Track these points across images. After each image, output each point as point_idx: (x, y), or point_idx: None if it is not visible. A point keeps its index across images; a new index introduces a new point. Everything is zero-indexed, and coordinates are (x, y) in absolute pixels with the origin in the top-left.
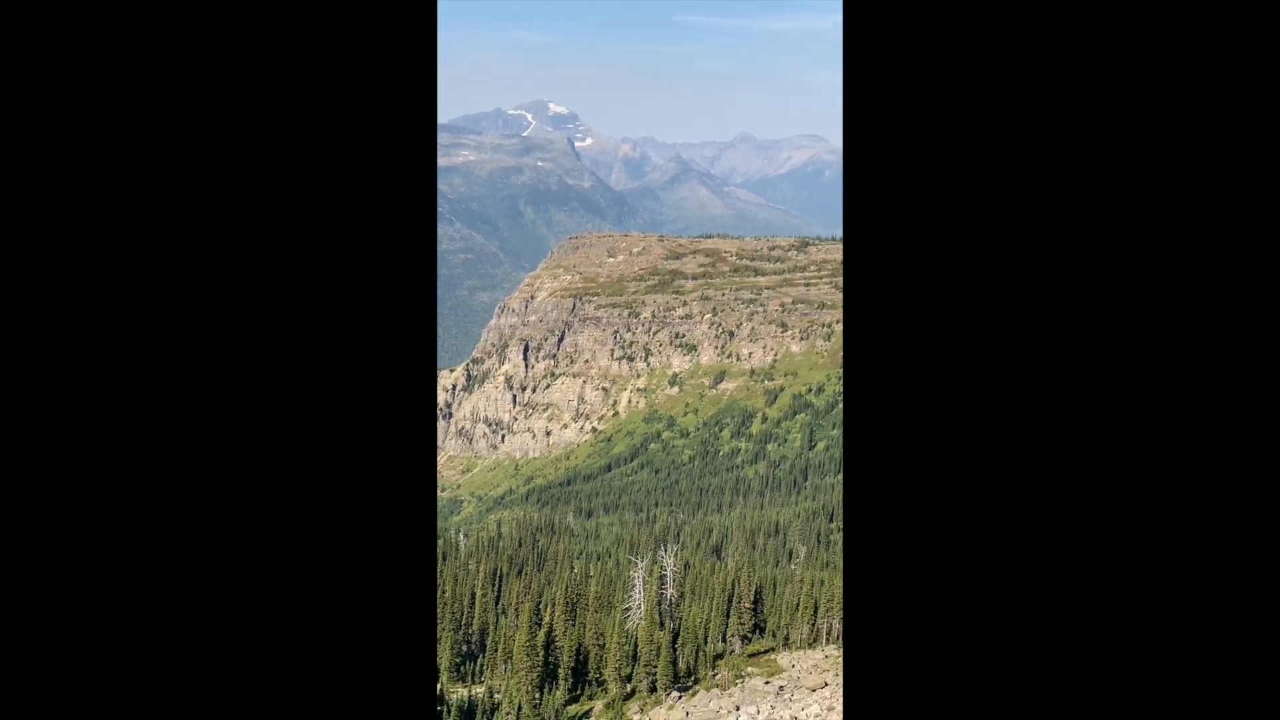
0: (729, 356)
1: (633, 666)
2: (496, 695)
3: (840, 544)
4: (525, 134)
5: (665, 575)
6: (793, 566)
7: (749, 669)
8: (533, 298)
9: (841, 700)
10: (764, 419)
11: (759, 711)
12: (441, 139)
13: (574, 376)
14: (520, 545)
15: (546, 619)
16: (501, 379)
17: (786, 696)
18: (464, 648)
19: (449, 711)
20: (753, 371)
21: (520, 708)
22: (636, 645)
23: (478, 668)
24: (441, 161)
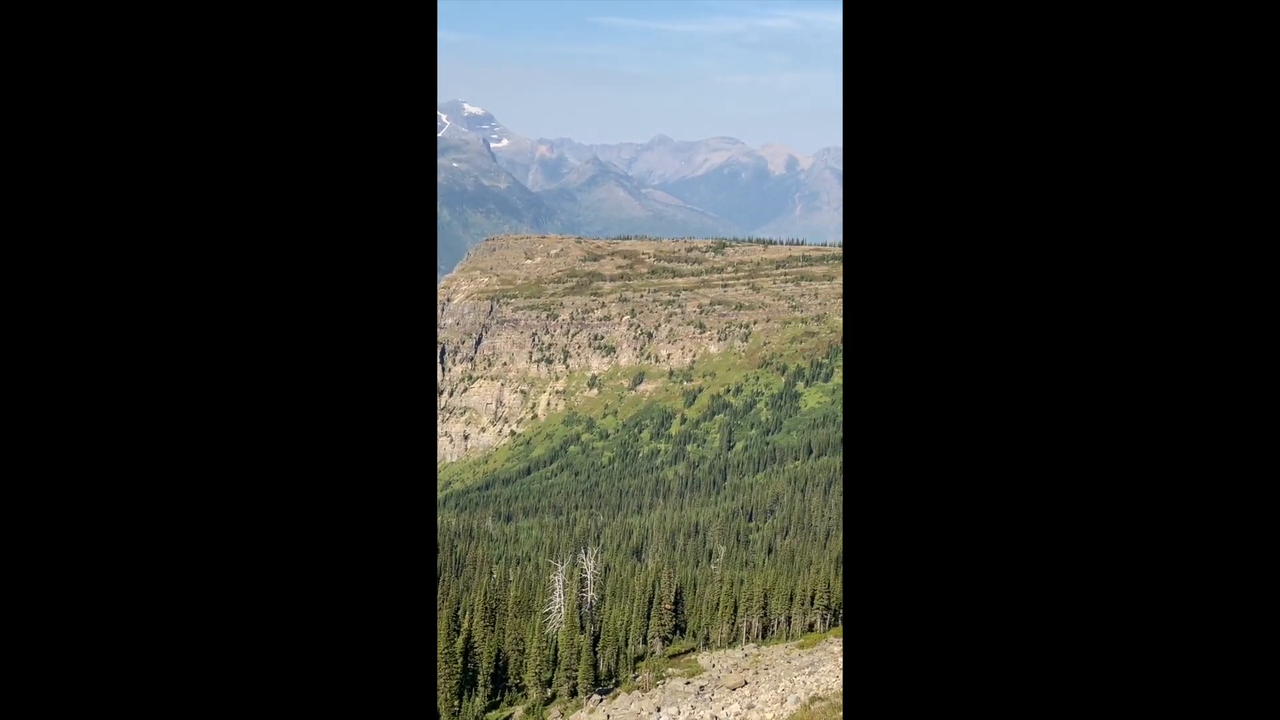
0: (647, 358)
1: (553, 671)
2: None
3: (758, 544)
4: (441, 134)
5: (585, 578)
6: (712, 566)
7: (670, 670)
8: (449, 300)
9: (759, 698)
10: (683, 420)
11: (680, 712)
12: None
13: (492, 379)
14: (438, 551)
15: (465, 625)
16: None
17: (707, 696)
18: None
19: None
20: (671, 372)
21: (439, 716)
22: (557, 649)
23: None
24: None
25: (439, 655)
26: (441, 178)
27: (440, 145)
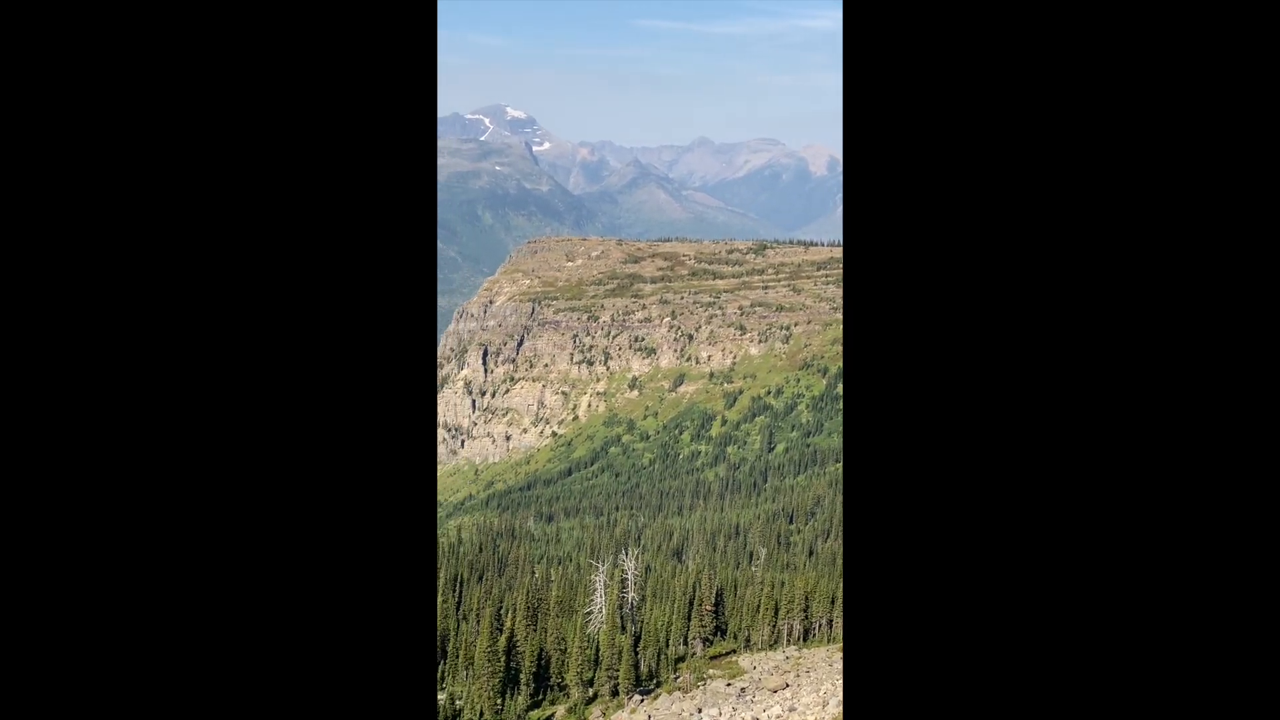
0: (688, 359)
1: (594, 670)
2: (458, 701)
3: (799, 546)
4: (483, 138)
5: (626, 579)
6: (753, 568)
7: (711, 671)
8: (491, 302)
9: (800, 701)
10: (723, 421)
11: (721, 713)
12: None
13: (533, 381)
14: (481, 550)
15: (508, 624)
16: (461, 384)
17: (748, 698)
18: None
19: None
20: (712, 374)
21: (482, 714)
22: (598, 649)
23: (439, 674)
24: None
25: (481, 654)
26: (484, 181)
27: (483, 149)
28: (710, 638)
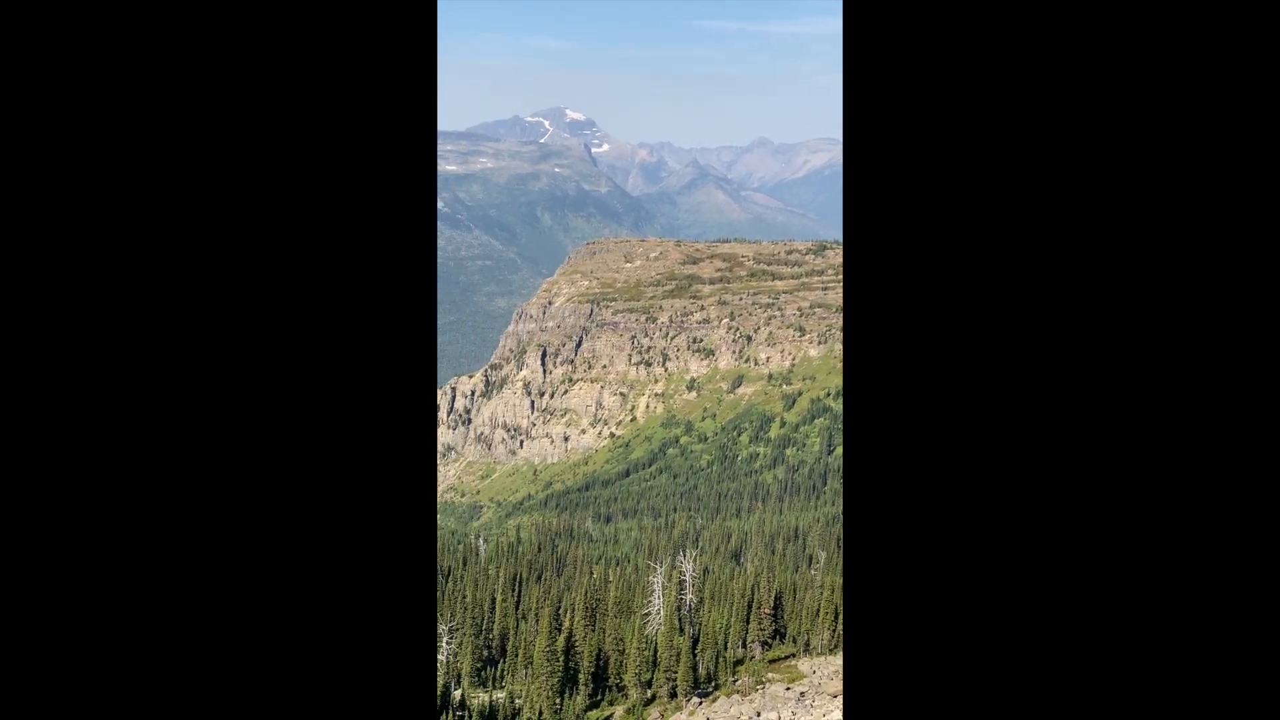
0: (747, 361)
1: (653, 672)
2: (518, 700)
3: None
4: (543, 140)
5: (684, 580)
6: (813, 572)
7: (770, 675)
8: (550, 303)
9: None
10: (782, 423)
11: (780, 718)
12: (460, 146)
13: (592, 382)
14: (539, 550)
15: (566, 624)
16: (520, 385)
17: (808, 702)
18: (485, 652)
19: (470, 716)
20: (770, 376)
21: (541, 713)
22: (656, 650)
23: (499, 672)
24: (460, 169)
25: (540, 653)
26: (543, 183)
27: (542, 151)
28: (769, 641)
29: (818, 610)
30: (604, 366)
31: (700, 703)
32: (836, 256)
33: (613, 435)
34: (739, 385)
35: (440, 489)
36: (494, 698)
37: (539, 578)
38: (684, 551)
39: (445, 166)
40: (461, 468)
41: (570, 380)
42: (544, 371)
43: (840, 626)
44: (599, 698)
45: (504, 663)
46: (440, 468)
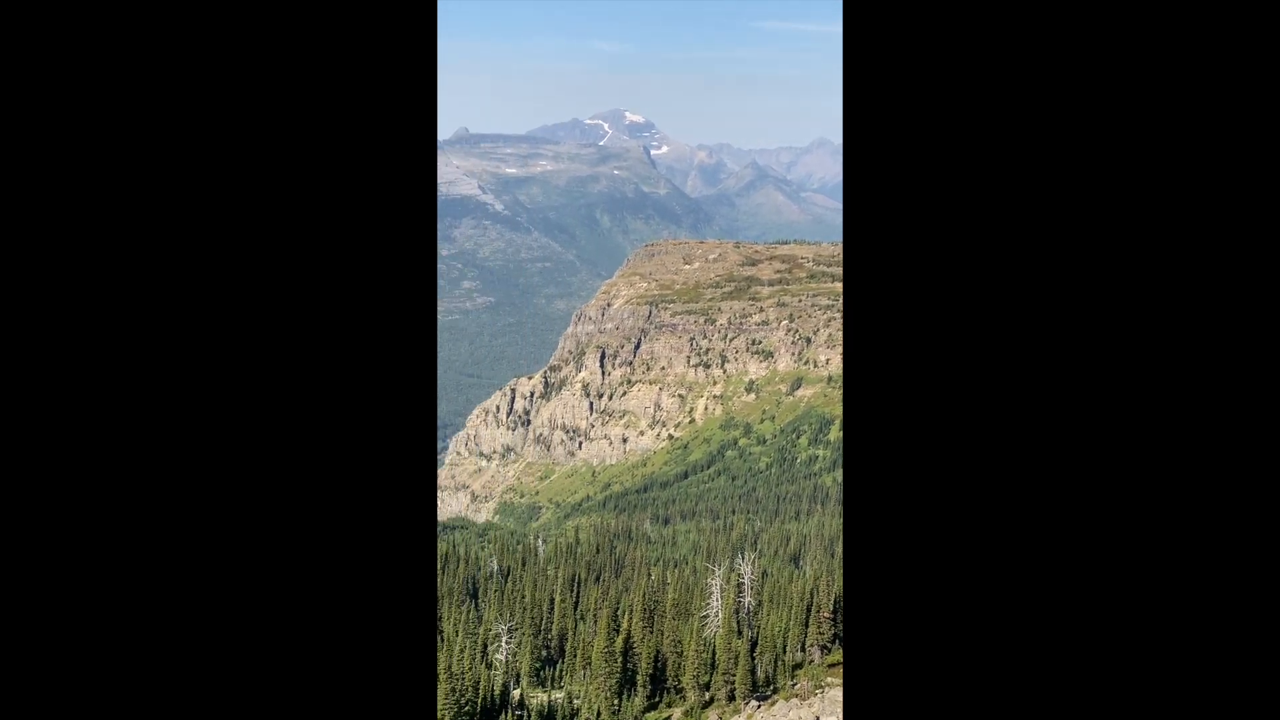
0: (806, 363)
1: (711, 674)
2: (576, 701)
3: None
4: (602, 143)
5: (743, 583)
6: None
7: (829, 679)
8: (609, 305)
9: None
10: (842, 426)
11: None
12: (520, 149)
13: (650, 383)
14: (598, 551)
15: (624, 625)
16: (579, 386)
17: None
18: (543, 652)
19: (529, 716)
20: (830, 378)
21: (599, 713)
22: (714, 653)
23: (557, 673)
24: (520, 172)
25: (598, 654)
26: (602, 185)
27: (601, 154)
28: (828, 645)
29: None
30: (662, 368)
31: (759, 706)
32: None
33: (671, 437)
34: (798, 387)
35: (499, 489)
36: (552, 698)
37: (597, 579)
38: (743, 554)
39: (505, 169)
40: (520, 468)
41: (629, 382)
42: (603, 373)
43: None
44: (657, 699)
45: (562, 663)
46: (499, 468)
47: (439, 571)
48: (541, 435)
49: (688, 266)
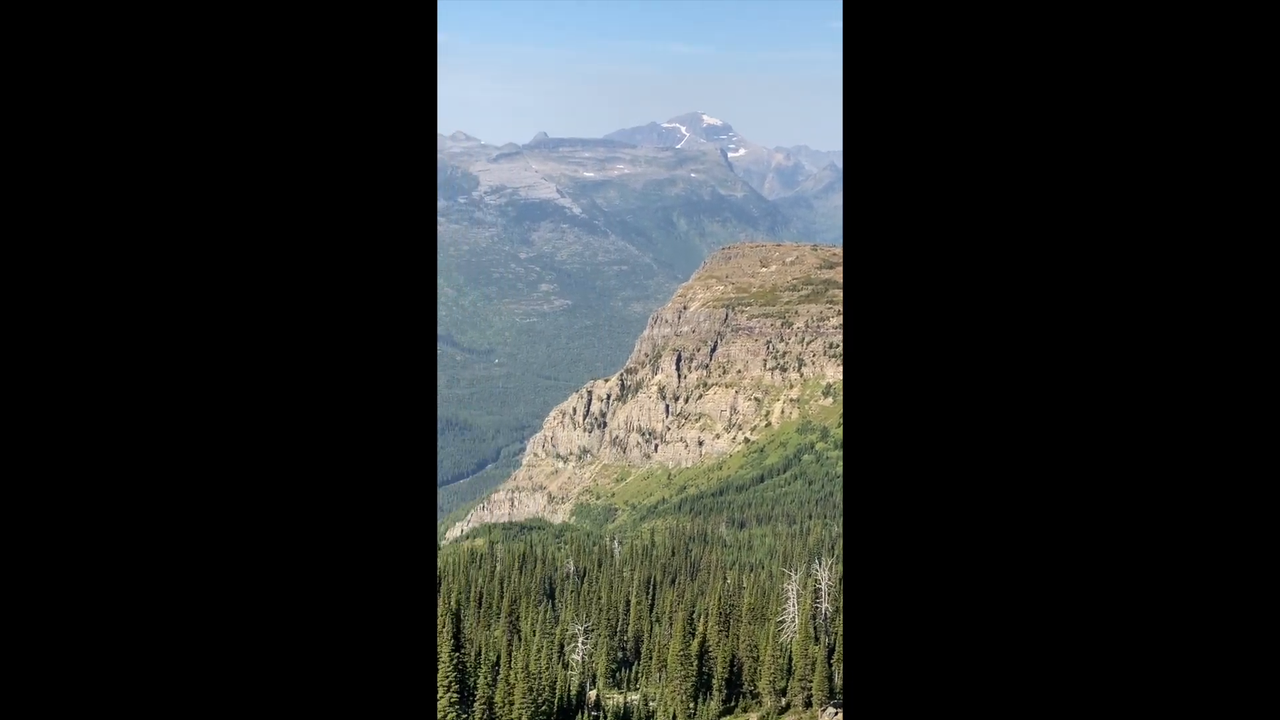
0: None
1: (787, 680)
2: (652, 703)
3: None
4: (679, 146)
5: (820, 589)
6: None
7: None
8: (685, 308)
9: None
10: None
11: None
12: (597, 153)
13: (726, 386)
14: (673, 554)
15: (700, 629)
16: (655, 389)
17: None
18: (619, 654)
19: (605, 717)
20: None
21: (675, 716)
22: (791, 659)
23: (633, 674)
24: (597, 175)
25: (674, 657)
26: (679, 188)
27: (678, 157)
28: None
29: None
30: (739, 371)
31: (836, 713)
32: None
33: (747, 440)
34: None
35: (575, 491)
36: (628, 699)
37: (673, 581)
38: (819, 559)
39: (582, 173)
40: (596, 470)
41: (705, 385)
42: (679, 376)
43: None
44: (733, 704)
45: (638, 665)
46: (575, 470)
47: (517, 571)
48: (617, 437)
49: (765, 269)
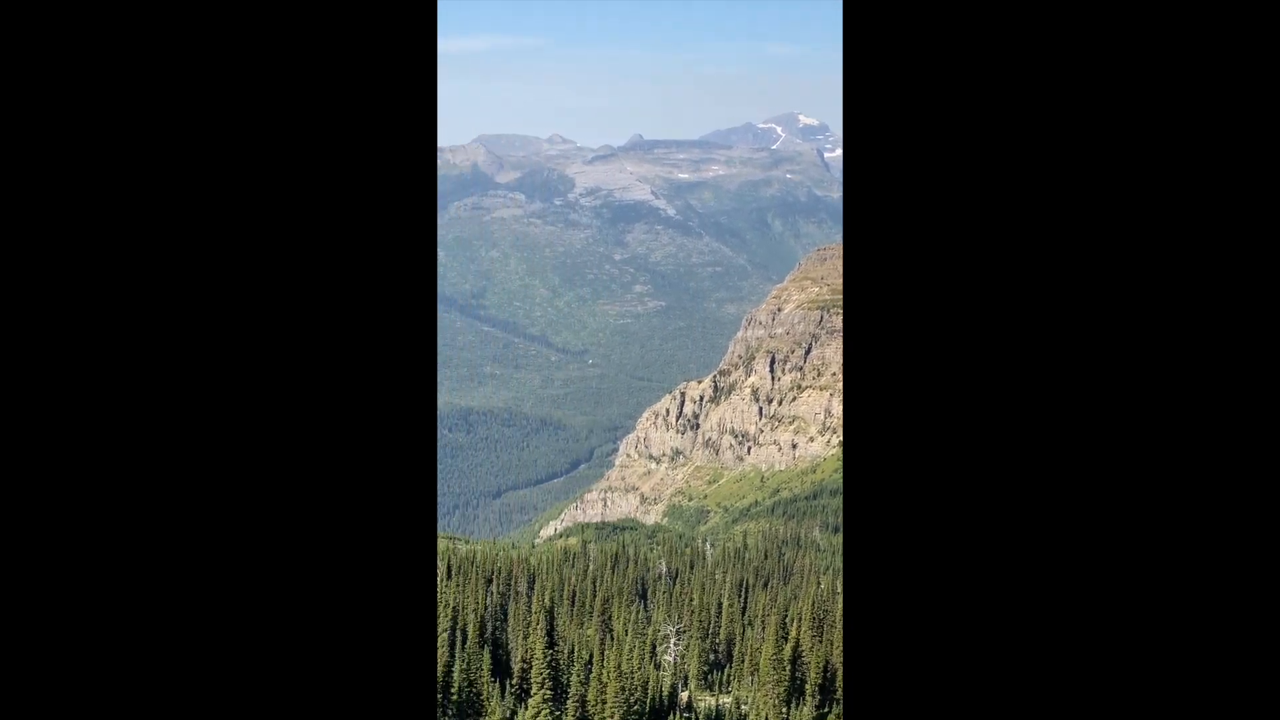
0: None
1: None
2: (744, 706)
3: None
4: (774, 147)
5: None
6: None
7: None
8: (780, 310)
9: None
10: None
11: None
12: (692, 154)
13: (821, 389)
14: (766, 557)
15: (793, 633)
16: (748, 391)
17: None
18: (711, 656)
19: (697, 719)
20: None
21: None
22: None
23: (724, 677)
24: (691, 176)
25: (766, 661)
26: (774, 189)
27: (774, 157)
28: None
29: None
30: (833, 374)
31: None
32: None
33: (842, 444)
34: None
35: (668, 492)
36: (720, 702)
37: (765, 585)
38: None
39: (677, 174)
40: (689, 472)
41: (799, 387)
42: (772, 378)
43: None
44: (826, 710)
45: (730, 668)
46: (668, 471)
47: (609, 570)
48: (710, 439)
49: None
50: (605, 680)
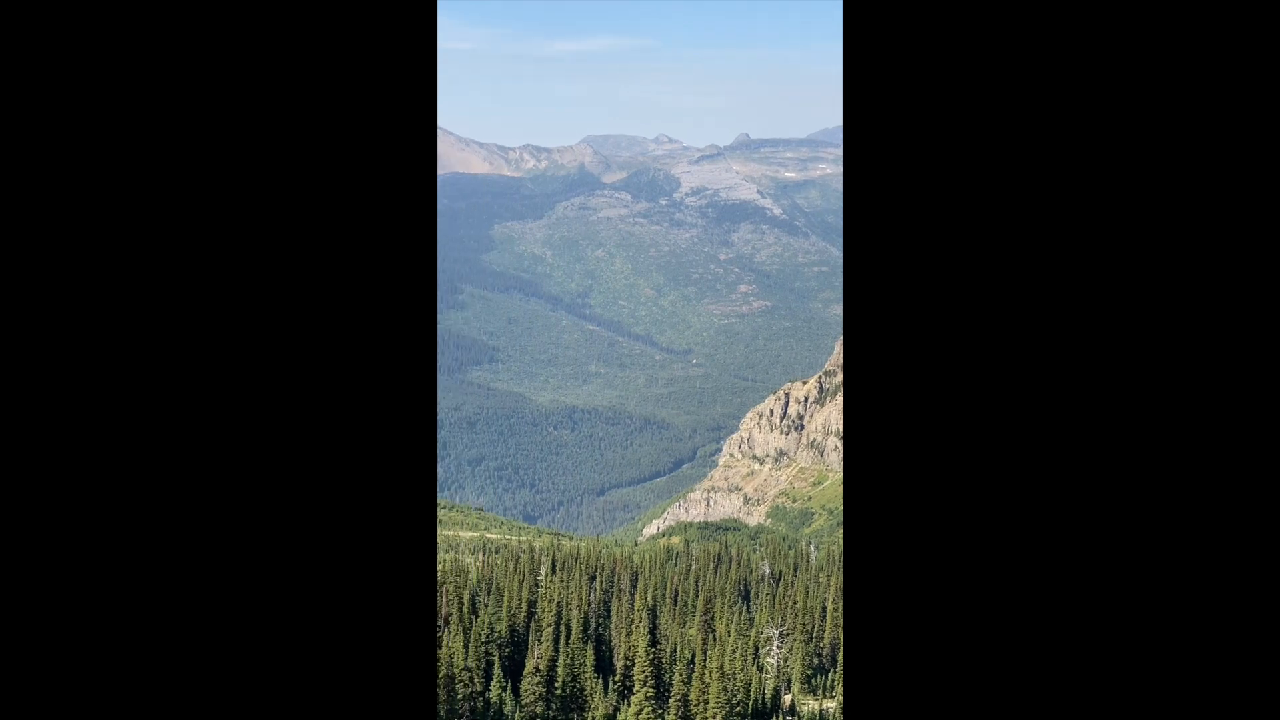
0: None
1: None
2: None
3: None
4: None
5: None
6: None
7: None
8: None
9: None
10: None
11: None
12: (799, 153)
13: None
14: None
15: None
16: None
17: None
18: (815, 660)
19: None
20: None
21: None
22: None
23: (829, 681)
24: (798, 175)
25: None
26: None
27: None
28: None
29: None
30: None
31: None
32: None
33: None
34: None
35: (771, 493)
36: (824, 706)
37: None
38: None
39: (784, 174)
40: (794, 473)
41: None
42: None
43: None
44: None
45: (834, 673)
46: (772, 472)
47: (712, 570)
48: (815, 440)
49: None
50: (708, 680)
